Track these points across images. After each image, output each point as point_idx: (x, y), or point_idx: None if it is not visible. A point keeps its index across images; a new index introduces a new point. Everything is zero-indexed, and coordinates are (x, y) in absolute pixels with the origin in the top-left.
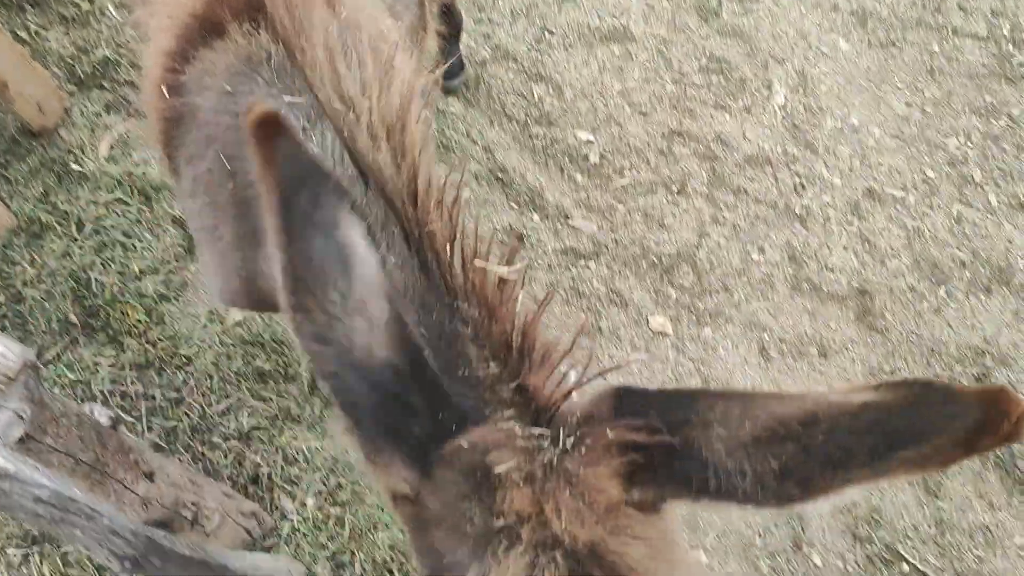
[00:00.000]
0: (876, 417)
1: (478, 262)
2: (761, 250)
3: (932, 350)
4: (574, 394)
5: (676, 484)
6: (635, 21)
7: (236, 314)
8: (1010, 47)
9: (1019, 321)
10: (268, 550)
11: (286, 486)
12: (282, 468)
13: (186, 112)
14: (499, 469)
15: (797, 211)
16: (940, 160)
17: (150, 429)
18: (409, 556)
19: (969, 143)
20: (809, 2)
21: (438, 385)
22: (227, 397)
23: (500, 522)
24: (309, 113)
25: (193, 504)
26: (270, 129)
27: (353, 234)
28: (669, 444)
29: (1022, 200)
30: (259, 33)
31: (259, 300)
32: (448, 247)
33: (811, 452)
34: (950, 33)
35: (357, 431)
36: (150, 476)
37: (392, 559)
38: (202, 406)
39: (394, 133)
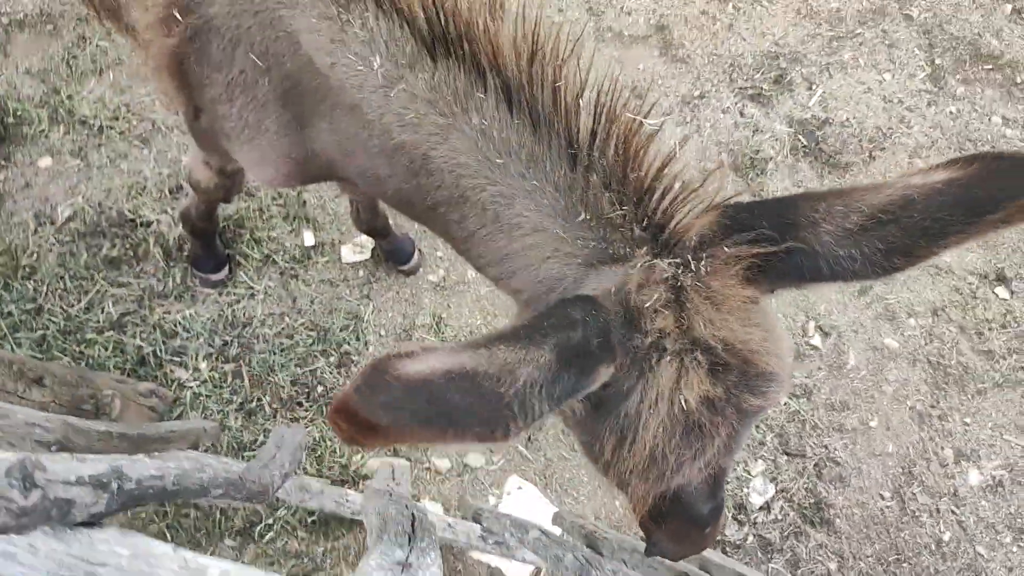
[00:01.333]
0: (961, 191)
1: (628, 114)
2: (560, 10)
3: (732, 65)
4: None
5: (790, 276)
6: None
7: (65, 210)
8: None
9: (801, 18)
10: (178, 419)
11: (174, 358)
12: (164, 343)
13: (201, 27)
14: (649, 302)
15: None
16: None
17: (19, 345)
18: (324, 383)
19: None
20: None
21: (572, 313)
22: (85, 293)
23: (649, 340)
24: None
25: (91, 397)
26: (357, 418)
27: (439, 366)
28: (780, 248)
29: None
30: None
31: (312, 175)
32: (576, 101)
33: (911, 229)
34: None
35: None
36: (39, 381)
37: (297, 392)
38: (63, 308)
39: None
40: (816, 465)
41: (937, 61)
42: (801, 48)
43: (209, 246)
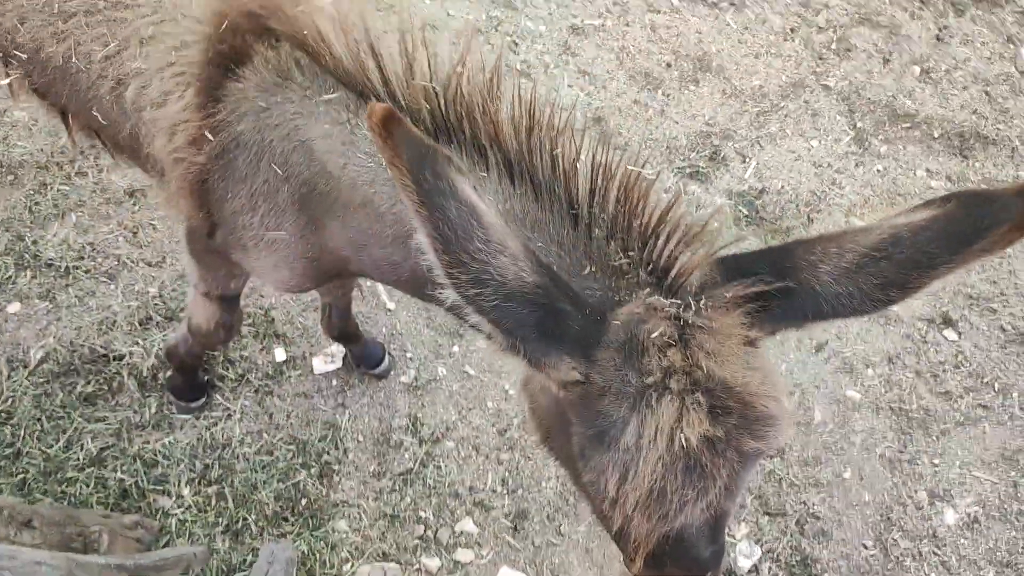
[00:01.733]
0: (944, 225)
1: (626, 166)
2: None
3: (668, 147)
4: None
5: (792, 317)
6: None
7: (37, 353)
8: None
9: (727, 97)
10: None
11: (157, 487)
12: (145, 473)
13: (229, 143)
14: (652, 336)
15: (519, 67)
16: None
17: (0, 491)
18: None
19: None
20: None
21: (576, 290)
22: (63, 432)
23: (651, 379)
24: (348, 104)
25: (79, 535)
26: (391, 122)
27: (470, 191)
28: (780, 289)
29: None
30: (281, 45)
31: (326, 273)
32: (574, 165)
33: (903, 263)
34: None
35: (522, 345)
36: (28, 523)
37: (282, 508)
38: (42, 449)
39: (473, 99)
40: (798, 522)
41: (858, 124)
42: (731, 125)
43: (192, 377)
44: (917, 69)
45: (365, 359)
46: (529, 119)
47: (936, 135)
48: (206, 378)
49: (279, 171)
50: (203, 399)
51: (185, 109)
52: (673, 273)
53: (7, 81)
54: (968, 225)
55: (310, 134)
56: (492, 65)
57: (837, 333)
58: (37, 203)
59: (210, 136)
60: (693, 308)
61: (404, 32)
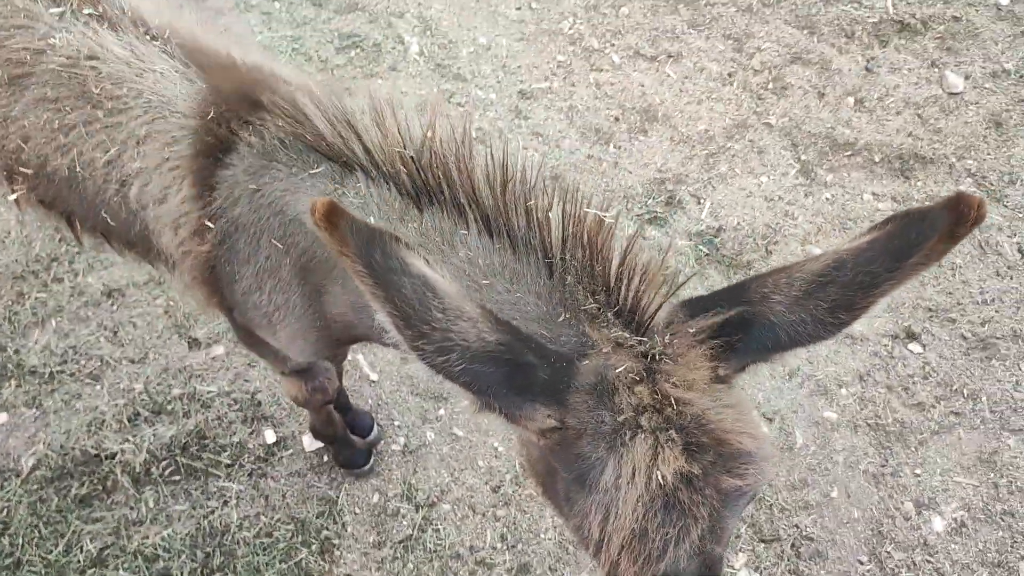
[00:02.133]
0: (882, 245)
1: (586, 210)
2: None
3: (625, 197)
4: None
5: (755, 351)
6: (258, 30)
7: (29, 460)
8: None
9: (676, 144)
10: None
11: None
12: (147, 568)
13: (228, 228)
14: (617, 371)
15: (475, 134)
16: (563, 43)
17: None
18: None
19: (578, 20)
20: None
21: (539, 341)
22: (62, 536)
23: (622, 417)
24: (333, 176)
25: None
26: (334, 215)
27: (420, 264)
28: (740, 324)
29: (635, 49)
30: (265, 128)
31: (337, 339)
32: (547, 215)
33: (848, 285)
34: None
35: (496, 403)
36: None
37: None
38: (42, 555)
39: (448, 161)
40: (793, 545)
41: (803, 157)
42: (682, 170)
43: (347, 443)
44: (851, 100)
45: (355, 429)
46: (503, 175)
47: (877, 159)
48: (367, 440)
49: (279, 245)
50: (371, 461)
51: (184, 202)
52: (638, 314)
53: (14, 197)
54: (904, 242)
55: (300, 207)
56: (462, 128)
57: (808, 358)
58: (16, 313)
59: (210, 224)
60: (659, 344)
61: (375, 105)
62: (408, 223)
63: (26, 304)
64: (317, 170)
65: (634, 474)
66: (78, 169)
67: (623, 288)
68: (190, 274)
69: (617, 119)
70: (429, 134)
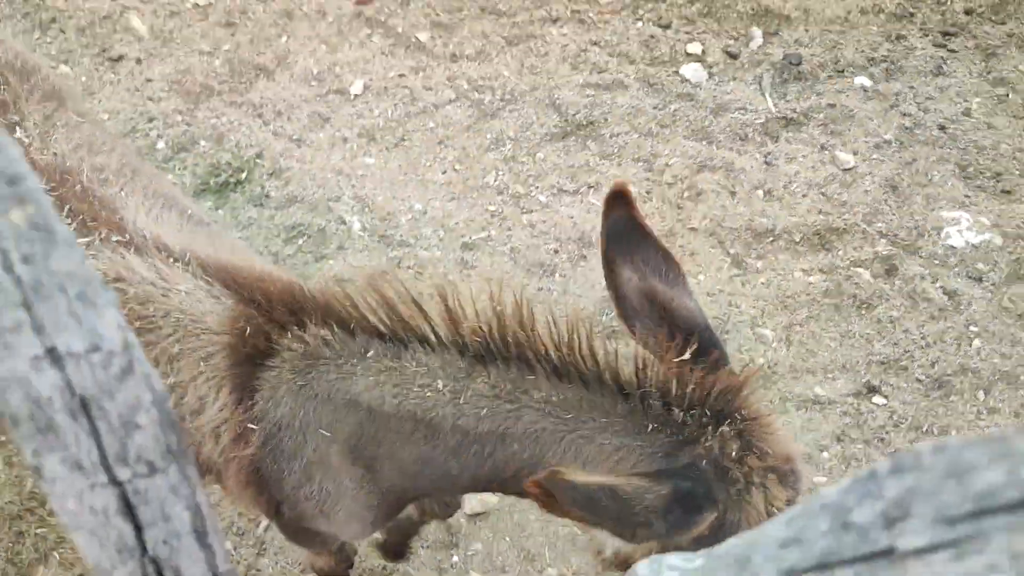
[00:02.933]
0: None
1: (671, 356)
2: None
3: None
4: None
5: None
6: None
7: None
8: (479, 95)
9: None
10: None
11: None
12: None
13: (271, 428)
14: (733, 457)
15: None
16: (491, 195)
17: None
18: None
19: (500, 172)
20: (325, 143)
21: (680, 467)
22: None
23: (740, 484)
24: (387, 354)
25: None
26: (551, 482)
27: (598, 478)
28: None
29: (557, 187)
30: (307, 328)
31: (390, 510)
32: (616, 355)
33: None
34: (436, 111)
35: (670, 527)
36: None
37: None
38: None
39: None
40: None
41: (731, 251)
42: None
43: None
44: (760, 192)
45: None
46: (568, 331)
47: (797, 239)
48: None
49: (326, 434)
50: None
51: (223, 409)
52: (709, 404)
53: None
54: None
55: (355, 389)
56: (519, 295)
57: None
58: (18, 552)
59: (253, 427)
60: (738, 418)
61: (437, 286)
62: (478, 379)
63: (27, 543)
64: (371, 352)
65: (760, 520)
66: None
67: (689, 391)
68: (235, 479)
69: (556, 251)
70: (498, 307)
